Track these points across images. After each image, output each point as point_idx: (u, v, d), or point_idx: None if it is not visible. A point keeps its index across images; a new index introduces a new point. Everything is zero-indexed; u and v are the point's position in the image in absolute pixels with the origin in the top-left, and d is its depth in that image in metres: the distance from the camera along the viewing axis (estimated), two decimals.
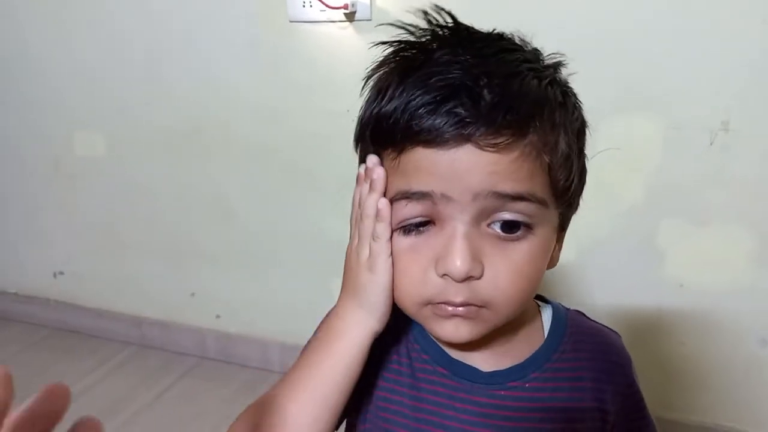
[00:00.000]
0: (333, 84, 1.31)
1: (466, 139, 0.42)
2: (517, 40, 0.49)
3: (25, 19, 1.54)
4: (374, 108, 0.47)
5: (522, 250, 0.46)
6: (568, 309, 0.60)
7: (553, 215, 0.48)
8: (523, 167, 0.44)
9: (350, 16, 1.24)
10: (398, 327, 0.56)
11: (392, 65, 0.47)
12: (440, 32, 0.47)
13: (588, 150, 1.30)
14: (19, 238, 1.79)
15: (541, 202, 0.45)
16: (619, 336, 0.60)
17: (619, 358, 0.58)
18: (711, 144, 1.10)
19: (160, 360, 1.65)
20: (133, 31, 1.44)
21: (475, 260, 0.45)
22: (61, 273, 1.77)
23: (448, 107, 0.42)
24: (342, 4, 1.21)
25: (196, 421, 1.40)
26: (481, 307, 0.47)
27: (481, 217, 0.45)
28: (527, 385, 0.53)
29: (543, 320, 0.58)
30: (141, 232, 1.63)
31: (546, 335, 0.56)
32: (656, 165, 1.15)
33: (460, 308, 0.46)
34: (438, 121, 0.42)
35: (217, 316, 1.63)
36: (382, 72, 0.48)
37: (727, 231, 1.14)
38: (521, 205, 0.44)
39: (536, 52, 0.49)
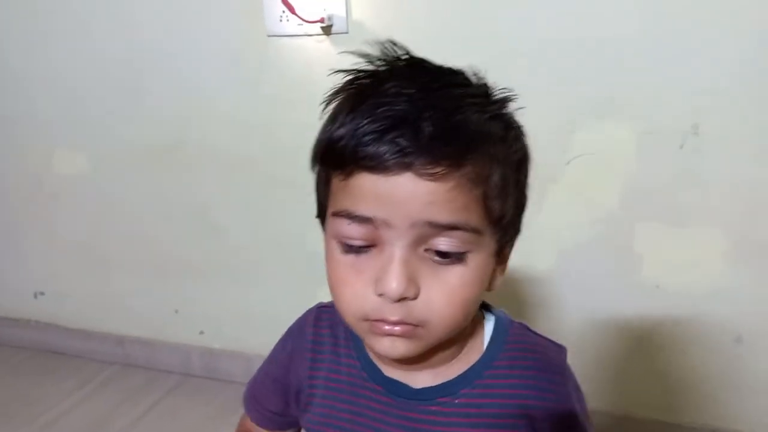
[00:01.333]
0: (311, 97, 1.30)
1: (406, 167, 0.45)
2: (469, 75, 0.51)
3: (3, 33, 1.53)
4: (327, 132, 0.49)
5: (456, 275, 0.49)
6: (512, 322, 0.61)
7: (488, 242, 0.50)
8: (458, 198, 0.46)
9: (327, 30, 1.25)
10: (339, 347, 0.59)
11: (345, 94, 0.50)
12: (395, 64, 0.50)
13: (564, 156, 1.31)
14: None
15: (475, 231, 0.48)
16: (564, 351, 0.60)
17: (553, 375, 0.58)
18: (681, 147, 1.13)
19: (143, 378, 1.63)
20: (112, 47, 1.45)
21: (410, 282, 0.47)
22: (42, 293, 1.76)
23: (391, 137, 0.45)
24: (318, 18, 1.22)
25: None
26: (416, 326, 0.49)
27: (418, 242, 0.47)
28: (457, 401, 0.55)
29: (485, 334, 0.59)
30: (123, 249, 1.62)
31: (484, 350, 0.58)
32: (630, 169, 1.17)
33: (397, 327, 0.49)
34: (381, 149, 0.45)
35: (201, 332, 1.62)
36: (336, 100, 0.51)
37: (701, 232, 1.16)
38: (456, 234, 0.47)
39: (485, 87, 0.51)
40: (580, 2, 1.12)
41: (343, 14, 1.23)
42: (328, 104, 0.51)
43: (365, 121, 0.46)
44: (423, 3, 1.19)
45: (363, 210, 0.47)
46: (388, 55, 0.50)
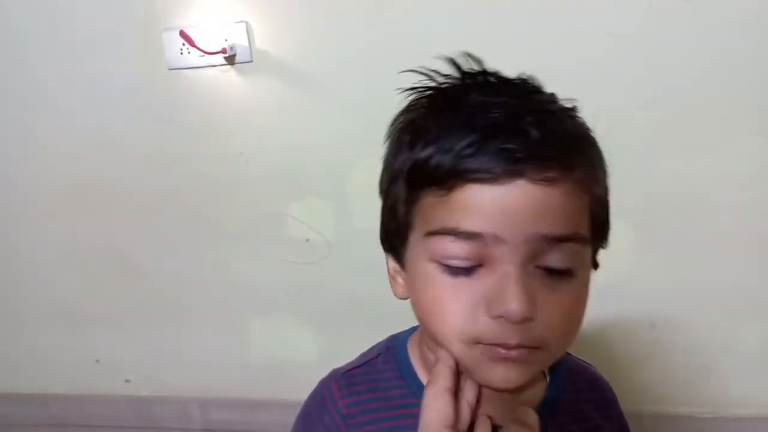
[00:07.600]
0: (222, 127, 1.31)
1: (518, 174, 0.43)
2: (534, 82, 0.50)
3: None
4: (408, 155, 0.47)
5: (571, 290, 0.46)
6: None
7: (590, 253, 0.48)
8: (570, 204, 0.44)
9: (231, 60, 1.24)
10: (391, 399, 0.56)
11: (422, 111, 0.48)
12: (469, 77, 0.48)
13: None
14: None
15: (585, 241, 0.46)
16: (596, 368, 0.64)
17: (608, 392, 0.62)
18: None
19: None
20: (4, 86, 1.38)
21: (531, 302, 0.44)
22: None
23: (497, 144, 0.43)
24: (220, 49, 1.21)
25: None
26: (535, 348, 0.45)
27: (531, 258, 0.44)
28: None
29: None
30: (34, 301, 1.54)
31: (548, 377, 0.57)
32: None
33: (514, 351, 0.45)
34: (489, 157, 0.43)
35: (127, 380, 1.55)
36: (410, 118, 0.49)
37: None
38: (567, 246, 0.45)
39: (554, 96, 0.50)
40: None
41: (246, 43, 1.23)
42: (394, 125, 0.49)
43: (461, 133, 0.43)
44: (334, 23, 1.19)
45: (471, 225, 0.44)
46: (460, 70, 0.48)
